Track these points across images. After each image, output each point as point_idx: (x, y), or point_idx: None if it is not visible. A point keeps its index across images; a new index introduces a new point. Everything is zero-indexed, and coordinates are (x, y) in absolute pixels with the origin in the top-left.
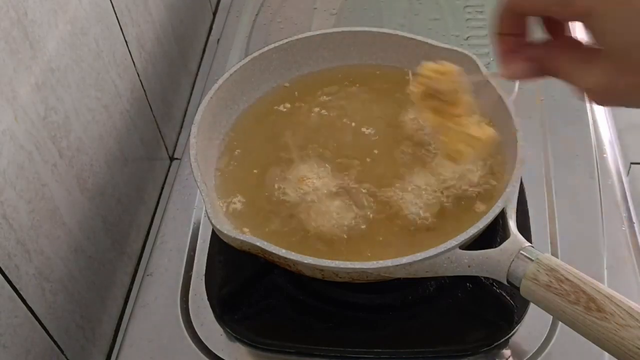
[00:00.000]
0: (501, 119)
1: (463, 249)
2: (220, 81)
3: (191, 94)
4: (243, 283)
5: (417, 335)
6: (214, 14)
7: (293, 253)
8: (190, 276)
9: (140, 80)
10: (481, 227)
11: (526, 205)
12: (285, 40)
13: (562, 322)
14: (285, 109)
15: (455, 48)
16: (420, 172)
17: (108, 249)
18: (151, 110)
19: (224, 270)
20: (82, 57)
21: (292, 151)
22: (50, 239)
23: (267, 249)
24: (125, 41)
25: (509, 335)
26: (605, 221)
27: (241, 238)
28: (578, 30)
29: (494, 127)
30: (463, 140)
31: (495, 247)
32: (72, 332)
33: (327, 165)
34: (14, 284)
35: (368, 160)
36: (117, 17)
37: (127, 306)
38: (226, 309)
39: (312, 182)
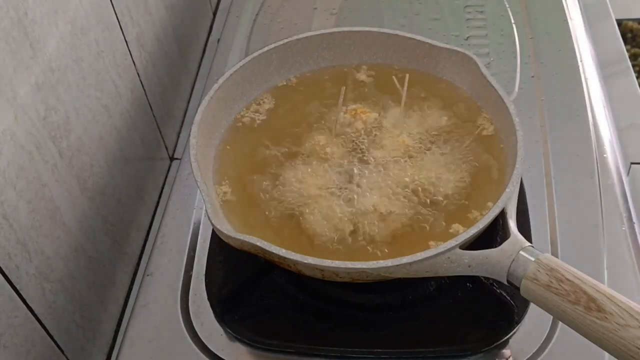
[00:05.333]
0: (501, 119)
1: (463, 249)
2: (220, 81)
3: (191, 94)
4: (243, 283)
5: (417, 335)
6: (214, 14)
7: (293, 253)
8: (190, 276)
9: (140, 80)
10: (481, 227)
11: (526, 205)
12: (285, 40)
13: (562, 322)
14: (285, 108)
15: (455, 48)
16: (418, 171)
17: (108, 249)
18: (151, 110)
19: (224, 270)
20: (82, 57)
21: (292, 150)
22: (50, 239)
23: (267, 249)
24: (125, 41)
25: (509, 335)
26: (605, 221)
27: (241, 238)
28: None
29: (494, 127)
30: None
31: (495, 247)
32: (72, 332)
33: (326, 164)
34: (14, 284)
35: (369, 159)
36: (117, 17)
37: (127, 306)
38: (226, 309)
39: (311, 181)
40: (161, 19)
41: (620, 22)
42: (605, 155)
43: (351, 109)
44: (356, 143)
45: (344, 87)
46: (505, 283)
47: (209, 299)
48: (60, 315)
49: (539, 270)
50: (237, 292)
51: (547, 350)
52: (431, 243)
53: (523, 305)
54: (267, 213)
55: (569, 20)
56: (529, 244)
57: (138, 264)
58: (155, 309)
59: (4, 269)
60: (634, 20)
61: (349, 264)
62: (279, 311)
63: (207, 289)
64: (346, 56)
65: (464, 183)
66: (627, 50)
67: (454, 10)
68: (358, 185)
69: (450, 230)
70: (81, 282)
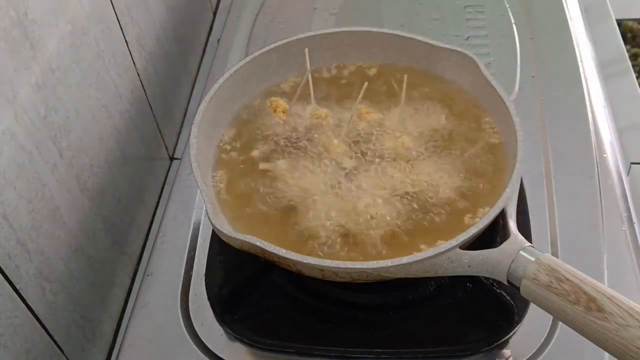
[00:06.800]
0: (501, 119)
1: (463, 249)
2: (220, 81)
3: (191, 94)
4: (243, 283)
5: (417, 335)
6: (214, 14)
7: (293, 253)
8: (190, 276)
9: (140, 80)
10: (481, 227)
11: (526, 205)
12: (285, 40)
13: (562, 322)
14: (285, 107)
15: (455, 48)
16: (418, 173)
17: (108, 249)
18: (151, 110)
19: (224, 270)
20: (82, 57)
21: (292, 149)
22: (50, 239)
23: (267, 249)
24: (125, 41)
25: (509, 335)
26: (605, 221)
27: (241, 238)
28: None
29: (494, 127)
30: None
31: (495, 247)
32: (72, 332)
33: (327, 163)
34: (14, 284)
35: (367, 159)
36: (117, 17)
37: (127, 306)
38: (226, 309)
39: (312, 180)
40: (161, 19)
41: (620, 22)
42: (605, 155)
43: (355, 109)
44: (358, 143)
45: (366, 83)
46: (505, 283)
47: (209, 299)
48: (60, 315)
49: (539, 270)
50: (237, 292)
51: (547, 350)
52: (422, 246)
53: (523, 305)
54: (267, 212)
55: (569, 20)
56: (529, 244)
57: (138, 264)
58: (155, 309)
59: (4, 269)
60: (634, 20)
61: (349, 264)
62: (279, 311)
63: (207, 289)
64: (346, 56)
65: (463, 184)
66: (627, 50)
67: (454, 10)
68: (358, 186)
69: (450, 231)
70: (81, 282)
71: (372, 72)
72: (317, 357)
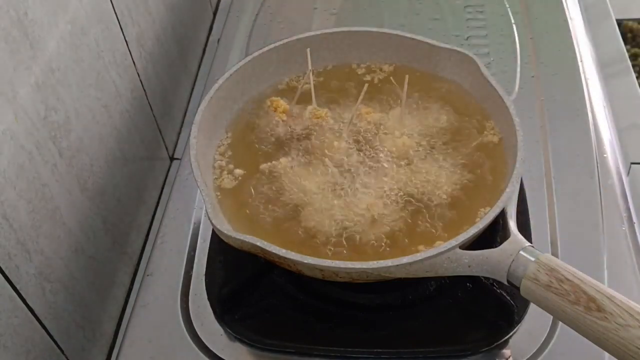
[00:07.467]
0: (501, 119)
1: (463, 249)
2: (220, 81)
3: (191, 94)
4: (243, 283)
5: (417, 335)
6: (214, 14)
7: (293, 253)
8: (190, 276)
9: (140, 80)
10: (481, 227)
11: (526, 205)
12: (285, 40)
13: (562, 322)
14: (285, 107)
15: (455, 48)
16: (418, 174)
17: (108, 249)
18: (151, 110)
19: (224, 270)
20: (82, 57)
21: (291, 149)
22: (50, 239)
23: (267, 249)
24: (125, 41)
25: (509, 335)
26: (605, 221)
27: (241, 238)
28: None
29: (494, 127)
30: None
31: (495, 247)
32: (72, 332)
33: (327, 163)
34: (14, 284)
35: (366, 159)
36: (117, 17)
37: (127, 306)
38: (226, 309)
39: (312, 180)
40: (161, 19)
41: (620, 22)
42: (605, 155)
43: (356, 109)
44: (358, 143)
45: (366, 84)
46: (505, 283)
47: (209, 299)
48: (60, 315)
49: (539, 270)
50: (237, 292)
51: (547, 350)
52: (422, 247)
53: (523, 305)
54: (267, 212)
55: (569, 20)
56: (529, 244)
57: (138, 264)
58: (155, 309)
59: (4, 269)
60: (634, 20)
61: (349, 264)
62: (279, 311)
63: (207, 289)
64: (346, 56)
65: (463, 184)
66: (627, 50)
67: (454, 10)
68: (357, 187)
69: (449, 232)
70: (81, 282)
71: (373, 72)
72: (317, 357)
